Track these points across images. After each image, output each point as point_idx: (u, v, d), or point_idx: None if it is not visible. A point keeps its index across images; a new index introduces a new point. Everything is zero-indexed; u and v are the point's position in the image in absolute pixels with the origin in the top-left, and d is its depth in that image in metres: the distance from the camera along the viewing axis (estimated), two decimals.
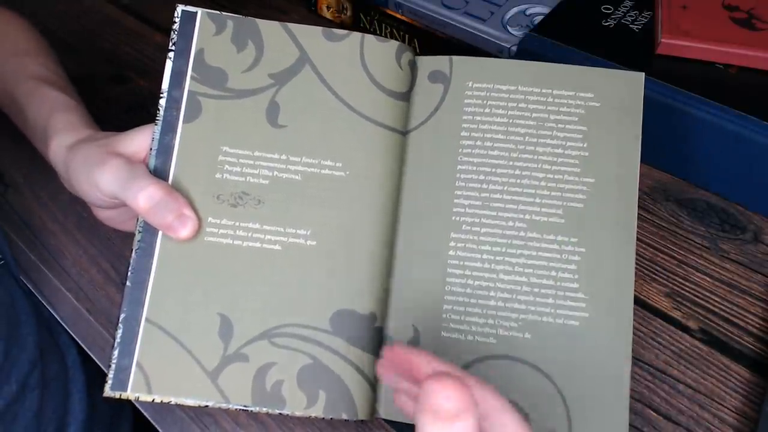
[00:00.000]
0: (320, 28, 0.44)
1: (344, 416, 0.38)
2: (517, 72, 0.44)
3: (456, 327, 0.41)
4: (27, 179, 0.60)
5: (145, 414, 0.46)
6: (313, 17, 0.74)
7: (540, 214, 0.42)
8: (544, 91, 0.44)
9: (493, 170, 0.43)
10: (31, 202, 0.58)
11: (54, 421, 0.51)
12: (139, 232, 0.40)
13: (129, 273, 0.40)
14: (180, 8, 0.43)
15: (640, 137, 0.43)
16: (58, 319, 0.52)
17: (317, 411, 0.38)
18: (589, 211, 0.42)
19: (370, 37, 0.44)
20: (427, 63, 0.45)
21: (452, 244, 0.42)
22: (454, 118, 0.44)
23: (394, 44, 0.44)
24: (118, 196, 0.40)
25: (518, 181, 0.43)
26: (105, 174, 0.40)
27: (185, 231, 0.39)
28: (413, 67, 0.45)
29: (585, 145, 0.43)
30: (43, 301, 0.53)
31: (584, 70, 0.44)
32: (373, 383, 0.40)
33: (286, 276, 0.40)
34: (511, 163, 0.43)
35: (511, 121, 0.44)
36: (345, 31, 0.44)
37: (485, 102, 0.44)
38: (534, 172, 0.43)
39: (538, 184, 0.42)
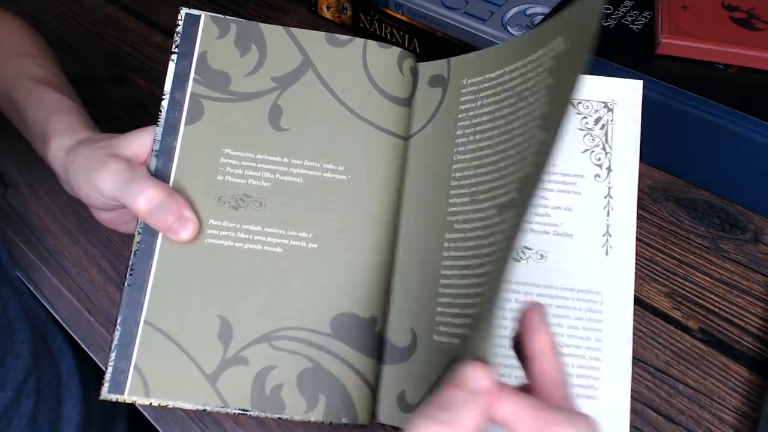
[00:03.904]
0: (323, 33, 0.44)
1: (344, 420, 0.38)
2: (507, 55, 0.41)
3: (445, 330, 0.39)
4: (27, 179, 0.60)
5: (145, 414, 0.46)
6: (313, 17, 0.74)
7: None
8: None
9: (481, 162, 0.40)
10: (31, 202, 0.58)
11: (47, 427, 0.51)
12: (139, 233, 0.40)
13: (128, 274, 0.40)
14: (183, 11, 0.43)
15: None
16: (58, 319, 0.52)
17: (317, 415, 0.38)
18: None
19: (372, 43, 0.44)
20: (428, 68, 0.45)
21: (446, 245, 0.41)
22: (450, 119, 0.43)
23: (396, 50, 0.44)
24: (118, 198, 0.40)
25: (503, 173, 0.39)
26: (105, 176, 0.40)
27: (186, 233, 0.39)
28: (414, 73, 0.45)
29: None
30: (43, 302, 0.53)
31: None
32: (374, 387, 0.40)
33: (287, 279, 0.40)
34: (498, 155, 0.40)
35: (497, 106, 0.41)
36: (348, 37, 0.44)
37: (477, 95, 0.42)
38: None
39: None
